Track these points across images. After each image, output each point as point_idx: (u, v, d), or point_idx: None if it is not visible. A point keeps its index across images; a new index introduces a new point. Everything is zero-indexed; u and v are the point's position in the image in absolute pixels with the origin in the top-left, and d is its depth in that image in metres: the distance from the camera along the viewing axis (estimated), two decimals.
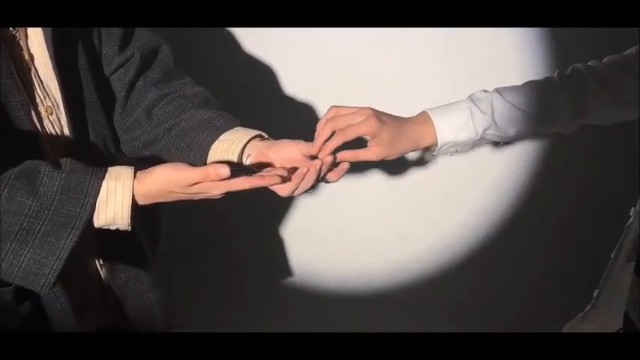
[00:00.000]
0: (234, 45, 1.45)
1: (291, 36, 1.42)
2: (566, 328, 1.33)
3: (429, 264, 1.69)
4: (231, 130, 1.02)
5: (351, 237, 1.66)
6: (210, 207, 1.05)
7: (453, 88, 1.27)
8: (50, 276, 0.82)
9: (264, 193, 0.93)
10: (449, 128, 1.00)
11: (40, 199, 0.82)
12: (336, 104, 1.01)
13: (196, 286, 1.66)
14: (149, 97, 1.08)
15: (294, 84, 1.49)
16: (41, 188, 0.83)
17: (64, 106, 0.95)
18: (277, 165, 0.97)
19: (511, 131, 1.02)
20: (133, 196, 0.86)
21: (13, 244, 0.82)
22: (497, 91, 1.03)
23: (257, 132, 1.02)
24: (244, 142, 0.99)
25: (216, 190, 0.86)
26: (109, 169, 0.87)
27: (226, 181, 0.84)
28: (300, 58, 1.46)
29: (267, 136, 1.02)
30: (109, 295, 1.06)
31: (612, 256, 1.24)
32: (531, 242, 1.67)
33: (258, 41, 1.44)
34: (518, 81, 1.06)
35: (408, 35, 1.43)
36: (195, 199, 0.89)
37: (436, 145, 1.01)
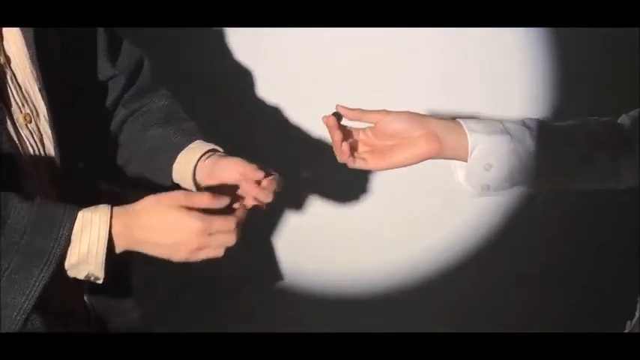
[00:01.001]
0: (233, 45, 1.44)
1: (291, 36, 1.42)
2: None
3: (428, 264, 1.69)
4: (185, 149, 0.98)
5: (351, 237, 1.65)
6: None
7: (453, 88, 1.27)
8: (19, 317, 0.77)
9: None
10: (479, 128, 0.87)
11: (7, 236, 0.76)
12: (338, 103, 0.92)
13: (195, 289, 1.66)
14: (121, 115, 1.04)
15: (294, 84, 1.49)
16: (9, 221, 0.76)
17: (45, 112, 0.88)
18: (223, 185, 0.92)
19: (545, 140, 0.88)
20: (111, 226, 0.79)
21: None
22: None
23: (206, 148, 0.97)
24: (194, 163, 0.96)
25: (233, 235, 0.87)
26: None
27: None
28: (300, 58, 1.46)
29: (219, 149, 0.98)
30: (91, 314, 0.99)
31: None
32: (531, 242, 1.67)
33: (258, 41, 1.44)
34: (519, 81, 1.04)
35: (408, 35, 1.43)
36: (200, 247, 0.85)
37: (466, 153, 0.87)
